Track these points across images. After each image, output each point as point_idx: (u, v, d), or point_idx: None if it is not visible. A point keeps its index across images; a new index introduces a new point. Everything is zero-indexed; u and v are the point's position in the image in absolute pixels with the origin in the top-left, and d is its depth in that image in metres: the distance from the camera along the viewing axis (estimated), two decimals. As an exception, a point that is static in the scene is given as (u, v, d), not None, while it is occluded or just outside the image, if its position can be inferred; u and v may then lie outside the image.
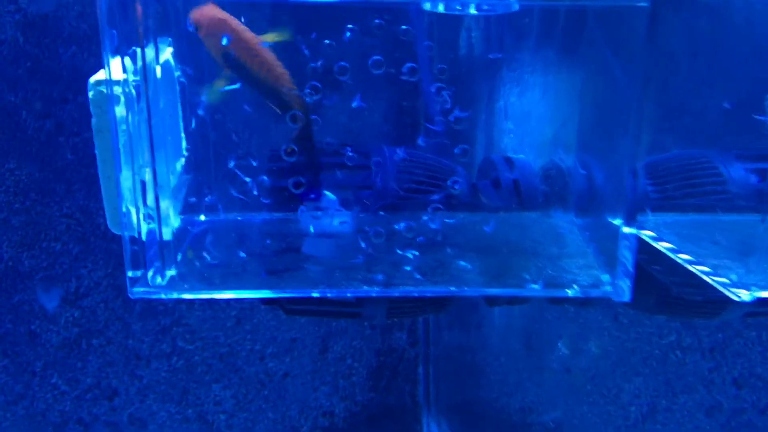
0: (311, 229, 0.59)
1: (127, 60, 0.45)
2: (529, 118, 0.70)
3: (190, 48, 0.53)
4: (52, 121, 0.96)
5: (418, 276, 0.50)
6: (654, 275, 0.59)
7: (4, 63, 0.93)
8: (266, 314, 1.09)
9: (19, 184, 1.00)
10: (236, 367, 1.11)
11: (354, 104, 0.54)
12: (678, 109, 0.73)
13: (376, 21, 0.53)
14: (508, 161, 0.70)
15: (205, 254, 0.51)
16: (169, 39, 0.52)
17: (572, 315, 1.12)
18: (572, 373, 1.15)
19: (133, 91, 0.46)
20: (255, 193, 0.61)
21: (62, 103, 0.95)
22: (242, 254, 0.54)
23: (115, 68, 0.44)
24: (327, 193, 0.64)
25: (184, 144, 0.56)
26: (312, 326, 1.10)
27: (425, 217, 0.57)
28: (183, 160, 0.55)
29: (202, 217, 0.58)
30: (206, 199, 0.57)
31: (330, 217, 0.61)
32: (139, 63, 0.45)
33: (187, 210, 0.56)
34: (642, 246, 0.57)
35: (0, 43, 0.92)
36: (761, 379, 1.15)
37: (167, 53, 0.52)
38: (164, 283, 0.49)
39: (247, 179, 0.58)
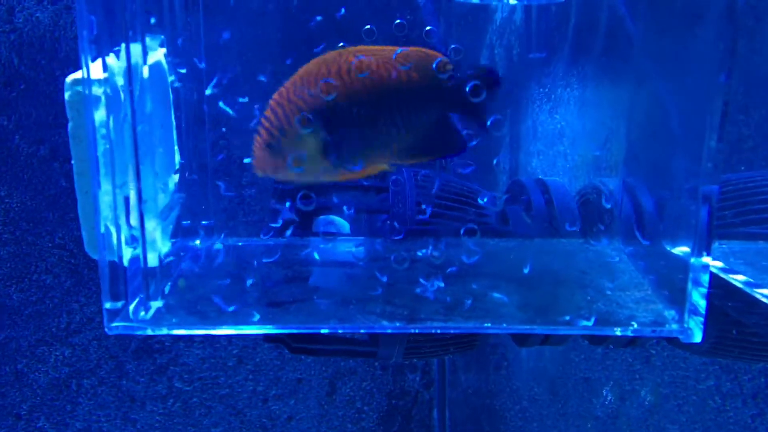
0: (317, 257, 0.53)
1: (110, 57, 0.39)
2: (564, 137, 0.64)
3: (186, 49, 0.47)
4: (46, 146, 0.95)
5: (444, 310, 0.43)
6: (721, 311, 0.51)
7: None
8: (270, 353, 1.05)
9: (9, 212, 0.99)
10: (237, 409, 1.06)
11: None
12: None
13: (397, 21, 0.47)
14: (541, 183, 0.64)
15: (198, 283, 0.45)
16: (161, 37, 0.46)
17: (600, 357, 1.07)
18: (601, 421, 1.09)
19: (121, 92, 0.40)
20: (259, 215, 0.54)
21: (57, 127, 0.96)
22: (241, 282, 0.47)
23: (95, 67, 0.38)
24: (336, 218, 0.58)
25: (177, 158, 0.49)
26: (319, 366, 1.06)
27: (452, 244, 0.51)
28: (176, 176, 0.49)
29: (198, 242, 0.51)
30: (203, 222, 0.51)
31: (341, 244, 0.55)
32: (123, 61, 0.38)
33: (180, 233, 0.49)
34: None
35: None
36: None
37: (159, 54, 0.46)
38: (148, 316, 0.42)
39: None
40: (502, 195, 0.62)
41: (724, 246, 0.55)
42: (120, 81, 0.40)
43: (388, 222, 0.58)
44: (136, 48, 0.40)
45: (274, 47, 0.50)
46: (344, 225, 0.59)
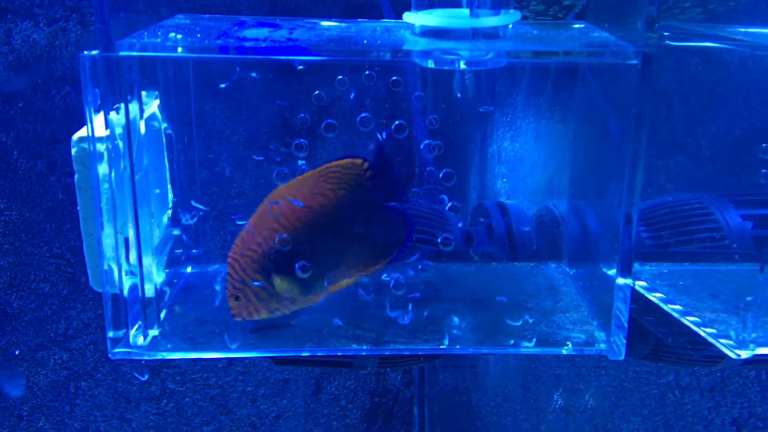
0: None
1: (112, 115, 0.44)
2: (522, 164, 0.69)
3: (177, 100, 0.53)
4: (43, 161, 0.96)
5: (407, 333, 0.49)
6: (647, 326, 0.58)
7: None
8: None
9: (9, 224, 1.00)
10: (227, 409, 1.09)
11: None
12: (671, 148, 0.72)
13: (367, 72, 0.53)
14: (502, 207, 0.69)
15: (188, 310, 0.50)
16: (156, 92, 0.51)
17: (569, 355, 1.12)
18: (570, 414, 1.14)
19: (120, 144, 0.45)
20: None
21: (54, 143, 0.95)
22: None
23: (98, 125, 0.44)
24: None
25: (170, 196, 0.55)
26: (305, 367, 1.08)
27: (417, 269, 0.56)
28: (169, 212, 0.54)
29: (189, 269, 0.57)
30: (192, 251, 0.56)
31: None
32: (123, 120, 0.44)
33: (173, 263, 0.55)
34: (635, 296, 0.56)
35: None
36: (761, 419, 1.14)
37: (153, 106, 0.51)
38: (146, 343, 0.47)
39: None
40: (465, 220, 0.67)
41: (655, 268, 0.61)
42: (120, 135, 0.45)
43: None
44: (134, 106, 0.45)
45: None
46: None
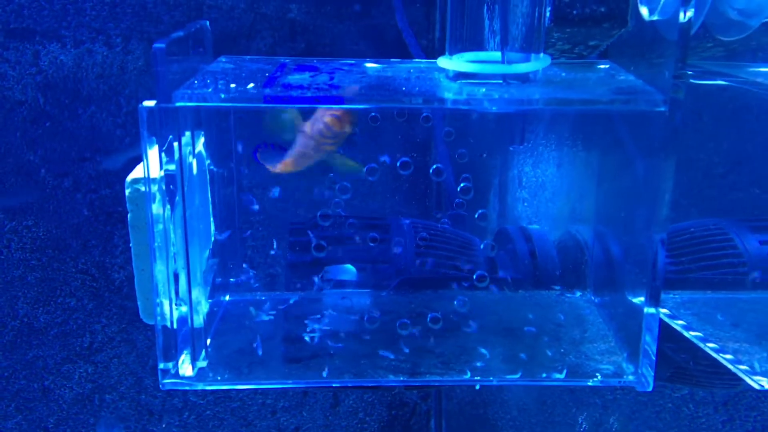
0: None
1: (164, 156, 0.46)
2: (545, 190, 0.71)
3: (219, 138, 0.55)
4: (69, 179, 0.98)
5: (440, 364, 0.51)
6: (667, 352, 0.60)
7: (24, 123, 0.94)
8: None
9: (36, 240, 1.00)
10: (248, 421, 1.11)
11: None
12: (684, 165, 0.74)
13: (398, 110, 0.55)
14: (524, 233, 0.71)
15: (229, 340, 0.52)
16: (202, 132, 0.54)
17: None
18: (585, 428, 1.14)
19: (172, 188, 0.47)
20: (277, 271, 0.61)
21: (80, 161, 0.97)
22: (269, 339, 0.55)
23: (153, 165, 0.46)
24: (348, 266, 0.65)
25: (213, 229, 0.57)
26: None
27: (447, 298, 0.58)
28: (211, 245, 0.56)
29: (227, 297, 0.59)
30: (231, 280, 0.58)
31: (350, 296, 0.62)
32: (176, 158, 0.46)
33: (214, 292, 0.57)
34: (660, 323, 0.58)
35: (20, 104, 0.94)
36: None
37: (200, 144, 0.53)
38: (194, 374, 0.50)
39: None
40: (491, 244, 0.69)
41: (677, 296, 0.63)
42: (174, 176, 0.47)
43: (389, 273, 0.65)
44: (186, 149, 0.48)
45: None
46: (353, 272, 0.67)
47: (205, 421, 1.12)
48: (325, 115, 0.56)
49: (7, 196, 0.97)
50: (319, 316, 0.58)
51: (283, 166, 0.60)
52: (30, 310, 1.03)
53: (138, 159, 0.92)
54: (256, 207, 0.60)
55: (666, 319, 0.61)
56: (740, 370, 0.52)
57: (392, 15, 0.88)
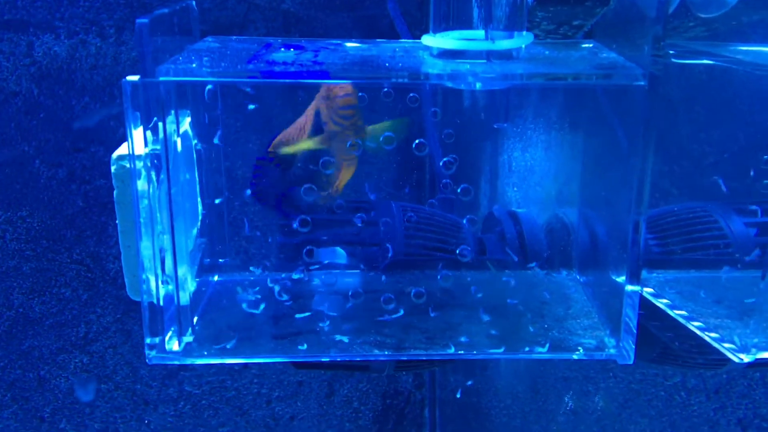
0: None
1: (149, 134, 0.47)
2: (533, 174, 0.72)
3: (207, 117, 0.56)
4: (64, 169, 0.98)
5: (426, 339, 0.51)
6: (654, 332, 0.60)
7: (18, 114, 0.95)
8: None
9: (31, 231, 1.00)
10: (243, 410, 1.12)
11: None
12: (676, 154, 0.74)
13: (385, 89, 0.56)
14: (513, 216, 0.72)
15: (217, 317, 0.53)
16: (188, 111, 0.54)
17: (579, 359, 1.13)
18: (578, 416, 1.15)
19: (157, 161, 0.48)
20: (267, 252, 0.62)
21: (74, 152, 0.98)
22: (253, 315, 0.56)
23: (138, 143, 0.46)
24: (338, 249, 0.66)
25: (200, 209, 0.57)
26: (318, 370, 1.10)
27: (433, 277, 0.59)
28: (199, 224, 0.57)
29: (216, 278, 0.60)
30: (219, 260, 0.59)
31: (340, 276, 0.63)
32: (161, 136, 0.47)
33: (202, 272, 0.58)
34: (643, 302, 0.59)
35: (15, 95, 0.94)
36: (766, 419, 1.16)
37: (186, 123, 0.54)
38: (180, 349, 0.50)
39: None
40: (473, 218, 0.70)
41: (662, 275, 0.63)
42: (158, 152, 0.48)
43: (378, 255, 0.66)
44: (171, 126, 0.48)
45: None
46: (343, 254, 0.67)
47: (201, 410, 1.13)
48: (335, 101, 0.55)
49: (2, 187, 0.97)
50: (306, 295, 0.59)
51: (338, 185, 0.59)
52: (25, 301, 1.03)
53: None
54: (248, 192, 0.60)
55: (650, 298, 0.61)
56: (721, 345, 0.53)
57: (384, 6, 0.88)
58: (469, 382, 1.14)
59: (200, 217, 0.57)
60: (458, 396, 1.13)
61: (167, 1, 0.94)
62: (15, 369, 1.06)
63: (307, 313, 0.56)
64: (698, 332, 0.56)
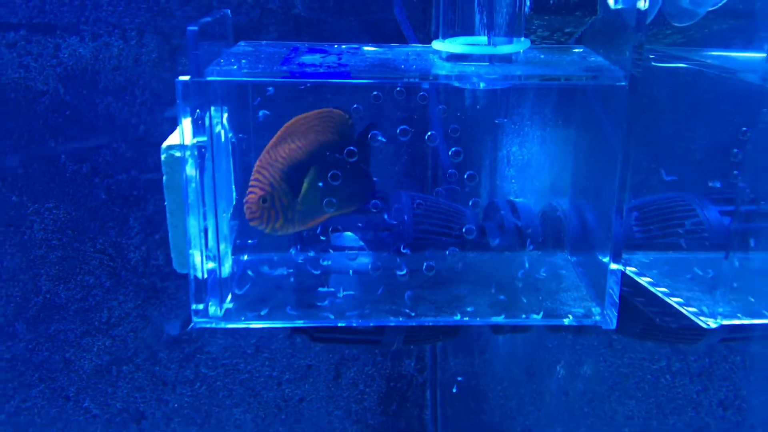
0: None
1: (195, 126, 0.53)
2: (529, 167, 0.79)
3: (240, 114, 0.62)
4: (87, 164, 1.01)
5: (435, 309, 0.58)
6: (638, 306, 0.67)
7: (46, 112, 0.98)
8: (283, 342, 1.13)
9: (57, 222, 1.03)
10: (255, 392, 1.15)
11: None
12: (662, 153, 0.80)
13: (398, 88, 0.62)
14: (511, 205, 0.78)
15: (252, 290, 0.59)
16: (225, 107, 0.61)
17: (570, 342, 1.15)
18: (570, 397, 1.18)
19: (203, 152, 0.53)
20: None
21: (98, 148, 1.00)
22: (280, 290, 0.62)
23: (187, 133, 0.53)
24: (351, 234, 0.72)
25: (234, 195, 0.64)
26: (326, 354, 1.15)
27: (441, 258, 0.65)
28: (232, 208, 0.63)
29: (245, 257, 0.66)
30: (248, 241, 0.65)
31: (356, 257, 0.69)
32: (206, 128, 0.53)
33: (235, 251, 0.64)
34: (627, 281, 0.65)
35: (43, 94, 0.97)
36: (745, 401, 1.18)
37: (224, 118, 0.61)
38: (221, 314, 0.57)
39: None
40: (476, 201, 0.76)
41: (644, 256, 0.70)
42: (205, 142, 0.54)
43: (391, 238, 0.72)
44: (216, 117, 0.54)
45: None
46: (356, 239, 0.73)
47: (216, 391, 1.14)
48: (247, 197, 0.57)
49: (30, 181, 1.00)
50: (327, 271, 0.65)
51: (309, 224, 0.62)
52: (52, 287, 1.06)
53: (152, 145, 0.95)
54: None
55: (634, 276, 0.68)
56: (691, 312, 0.60)
57: (391, 10, 0.90)
58: (469, 366, 1.18)
59: (233, 202, 0.64)
60: (459, 379, 1.16)
61: (187, 8, 0.98)
62: (42, 351, 1.09)
63: (330, 289, 0.63)
64: (675, 305, 0.63)
